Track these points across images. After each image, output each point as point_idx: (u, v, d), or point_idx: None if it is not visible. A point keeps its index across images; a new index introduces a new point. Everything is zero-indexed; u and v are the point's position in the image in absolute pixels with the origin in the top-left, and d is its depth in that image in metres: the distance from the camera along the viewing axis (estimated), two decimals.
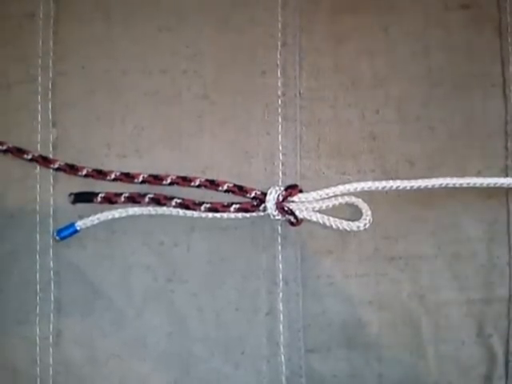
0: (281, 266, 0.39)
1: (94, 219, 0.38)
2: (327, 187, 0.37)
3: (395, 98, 0.39)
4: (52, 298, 0.39)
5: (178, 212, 0.38)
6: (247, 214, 0.38)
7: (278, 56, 0.39)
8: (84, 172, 0.39)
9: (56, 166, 0.39)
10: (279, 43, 0.40)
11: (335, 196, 0.37)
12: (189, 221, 0.39)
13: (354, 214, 0.38)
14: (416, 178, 0.37)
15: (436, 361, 0.39)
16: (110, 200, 0.38)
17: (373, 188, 0.37)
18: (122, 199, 0.38)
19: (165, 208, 0.38)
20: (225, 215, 0.38)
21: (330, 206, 0.38)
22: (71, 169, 0.39)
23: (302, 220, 0.38)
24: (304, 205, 0.37)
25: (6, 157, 0.40)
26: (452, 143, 0.39)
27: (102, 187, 0.39)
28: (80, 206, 0.39)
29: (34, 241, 0.40)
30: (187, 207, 0.38)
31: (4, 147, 0.39)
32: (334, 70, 0.39)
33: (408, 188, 0.37)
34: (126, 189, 0.39)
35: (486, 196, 0.39)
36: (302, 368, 0.39)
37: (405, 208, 0.39)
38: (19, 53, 0.40)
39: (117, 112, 0.40)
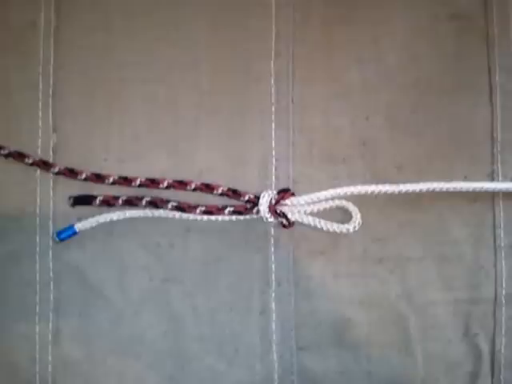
0: (273, 266, 0.40)
1: (92, 221, 0.39)
2: (318, 191, 0.38)
3: (384, 106, 0.40)
4: (51, 298, 0.40)
5: (174, 215, 0.39)
6: (241, 217, 0.39)
7: (272, 65, 0.41)
8: (83, 176, 0.40)
9: (56, 169, 0.40)
10: (273, 53, 0.41)
11: (326, 199, 0.39)
12: (184, 223, 0.40)
13: (345, 216, 0.39)
14: (404, 182, 0.38)
15: (424, 359, 0.40)
16: (108, 203, 0.39)
17: (362, 192, 0.38)
18: (120, 202, 0.39)
19: (161, 211, 0.39)
20: (219, 218, 0.39)
21: (321, 209, 0.39)
22: (71, 173, 0.40)
23: (293, 222, 0.39)
24: (296, 208, 0.39)
25: (7, 161, 0.41)
26: (440, 149, 0.40)
27: (100, 190, 0.40)
28: (79, 208, 0.40)
29: (34, 242, 0.40)
30: (183, 210, 0.39)
31: (5, 151, 0.40)
32: (326, 78, 0.41)
33: (397, 192, 0.38)
34: (124, 192, 0.40)
35: (473, 200, 0.40)
36: (293, 365, 0.40)
37: (393, 211, 0.40)
38: (21, 60, 0.41)
39: (115, 118, 0.41)
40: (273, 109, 0.40)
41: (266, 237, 0.40)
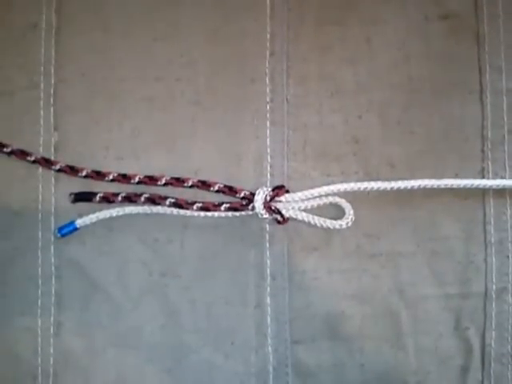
0: (268, 261, 0.41)
1: (92, 217, 0.40)
2: (312, 188, 0.39)
3: (377, 104, 0.41)
4: (53, 292, 0.41)
5: (172, 211, 0.40)
6: (237, 213, 0.40)
7: (267, 65, 0.41)
8: (84, 173, 0.41)
9: (57, 167, 0.41)
10: (268, 52, 0.41)
11: (320, 196, 0.39)
12: (182, 219, 0.40)
13: (338, 213, 0.40)
14: (396, 179, 0.39)
15: (415, 352, 0.40)
16: (108, 199, 0.40)
17: (355, 189, 0.39)
18: (119, 199, 0.40)
19: (159, 207, 0.40)
20: (216, 214, 0.40)
21: (315, 205, 0.40)
22: (71, 170, 0.41)
23: (288, 219, 0.40)
24: (290, 204, 0.39)
25: (10, 158, 0.42)
26: (431, 147, 0.41)
27: (100, 187, 0.41)
28: (80, 205, 0.41)
29: (36, 238, 0.41)
30: (180, 206, 0.39)
31: (8, 149, 0.41)
32: (320, 77, 0.41)
33: (389, 189, 0.39)
34: (123, 189, 0.40)
35: (463, 197, 0.40)
36: (288, 358, 0.40)
37: (386, 208, 0.40)
38: (23, 61, 0.42)
39: (115, 117, 0.42)
40: (268, 107, 0.41)
41: (261, 233, 0.41)
